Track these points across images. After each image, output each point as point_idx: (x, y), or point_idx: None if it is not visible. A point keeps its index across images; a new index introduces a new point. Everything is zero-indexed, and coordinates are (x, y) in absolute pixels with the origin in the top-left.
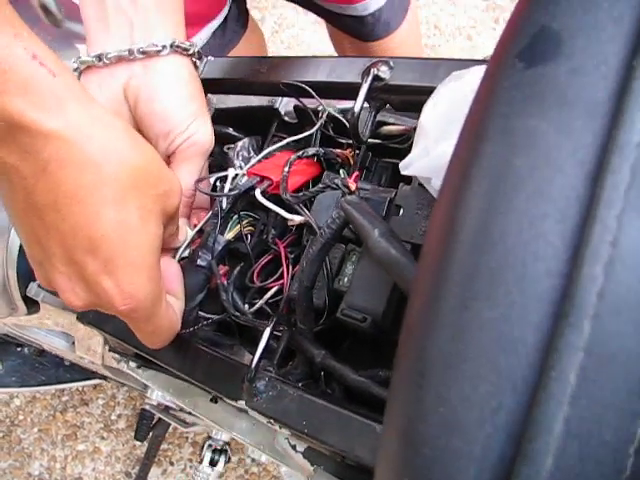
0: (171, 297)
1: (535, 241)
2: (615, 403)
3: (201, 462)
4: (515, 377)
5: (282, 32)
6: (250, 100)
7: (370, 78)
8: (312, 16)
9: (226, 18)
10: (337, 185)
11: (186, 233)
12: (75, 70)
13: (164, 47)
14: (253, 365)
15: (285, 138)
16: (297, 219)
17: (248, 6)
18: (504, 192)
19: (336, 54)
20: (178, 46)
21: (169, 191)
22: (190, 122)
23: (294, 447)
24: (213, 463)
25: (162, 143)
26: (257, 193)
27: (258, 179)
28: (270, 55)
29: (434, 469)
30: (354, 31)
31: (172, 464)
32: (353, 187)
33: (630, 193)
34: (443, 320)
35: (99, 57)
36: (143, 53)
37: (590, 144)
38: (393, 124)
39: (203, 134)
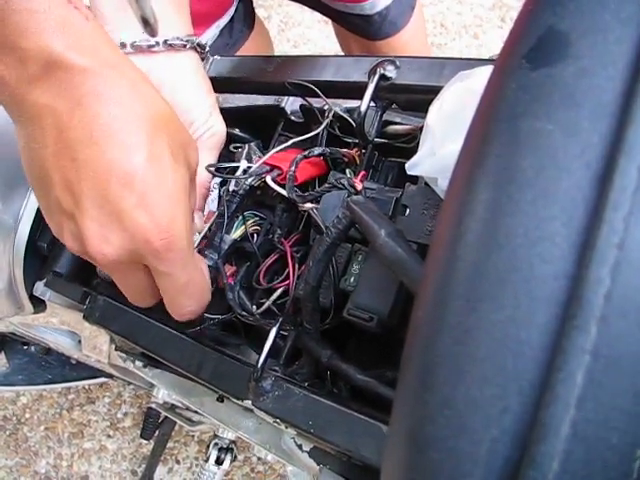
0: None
1: (541, 243)
2: (622, 406)
3: (207, 460)
4: (521, 379)
5: (288, 30)
6: (256, 99)
7: (376, 77)
8: (318, 14)
9: (233, 18)
10: (343, 185)
11: (201, 225)
12: None
13: (188, 42)
14: (259, 365)
15: (291, 137)
16: (308, 206)
17: (254, 5)
18: (510, 193)
19: (342, 53)
20: (199, 44)
21: (191, 143)
22: (209, 114)
23: (300, 446)
24: (219, 462)
25: None
26: (268, 179)
27: (268, 168)
28: (277, 54)
29: (440, 471)
30: (361, 30)
31: (178, 462)
32: (359, 187)
33: (637, 195)
34: (449, 321)
35: (123, 44)
36: (169, 46)
37: (597, 145)
38: (399, 123)
39: (221, 126)
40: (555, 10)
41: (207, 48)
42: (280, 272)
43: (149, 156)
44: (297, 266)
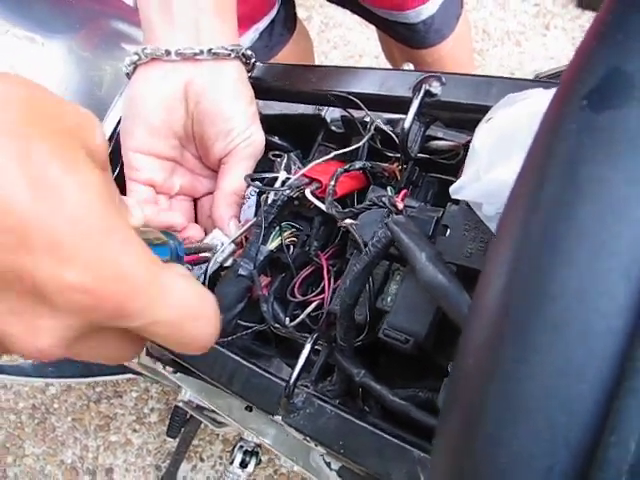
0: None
1: (598, 296)
2: None
3: (232, 463)
4: (571, 437)
5: (329, 31)
6: (296, 107)
7: (421, 94)
8: None
9: (273, 21)
10: (384, 203)
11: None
12: (133, 63)
13: (232, 51)
14: (292, 381)
15: (331, 147)
16: (347, 222)
17: (295, 6)
18: (566, 243)
19: (384, 56)
20: (244, 54)
21: (82, 124)
22: (250, 124)
23: (329, 464)
24: (244, 465)
25: (221, 141)
26: (307, 192)
27: (307, 181)
28: (316, 54)
29: None
30: (405, 38)
31: (202, 460)
32: (400, 206)
33: None
34: (500, 372)
35: (167, 52)
36: (214, 54)
37: None
38: (442, 139)
39: (260, 136)
40: (620, 49)
41: (253, 58)
42: (315, 285)
43: (30, 181)
44: (333, 280)
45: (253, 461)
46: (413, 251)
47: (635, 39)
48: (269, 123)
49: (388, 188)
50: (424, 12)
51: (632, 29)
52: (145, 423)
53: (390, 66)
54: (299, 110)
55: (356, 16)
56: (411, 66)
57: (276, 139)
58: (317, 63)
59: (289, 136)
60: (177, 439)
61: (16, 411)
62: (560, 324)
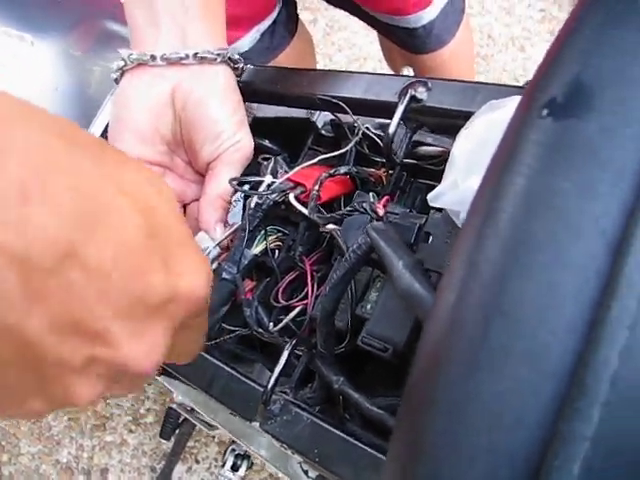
0: None
1: (548, 312)
2: None
3: (223, 466)
4: (515, 459)
5: (334, 34)
6: (290, 111)
7: (407, 99)
8: None
9: (275, 22)
10: (365, 209)
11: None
12: (120, 69)
13: (219, 55)
14: (269, 387)
15: (321, 151)
16: (329, 227)
17: (300, 7)
18: (518, 258)
19: (385, 61)
20: (230, 58)
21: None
22: (238, 128)
23: (306, 472)
24: (235, 468)
25: (209, 146)
26: (291, 197)
27: (292, 185)
28: (321, 57)
29: None
30: (405, 43)
31: (197, 462)
32: (381, 212)
33: None
34: (444, 390)
35: (153, 57)
36: (200, 59)
37: (615, 212)
38: (430, 144)
39: (248, 141)
40: (581, 58)
41: (241, 63)
42: (300, 290)
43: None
44: (317, 285)
45: (245, 464)
46: (390, 258)
47: (597, 49)
48: (262, 126)
49: (370, 194)
50: (424, 17)
51: (594, 38)
52: (141, 424)
53: (390, 71)
54: (291, 113)
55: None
56: (410, 70)
57: (266, 142)
58: (321, 65)
59: (281, 139)
60: (171, 441)
61: None
62: (508, 341)
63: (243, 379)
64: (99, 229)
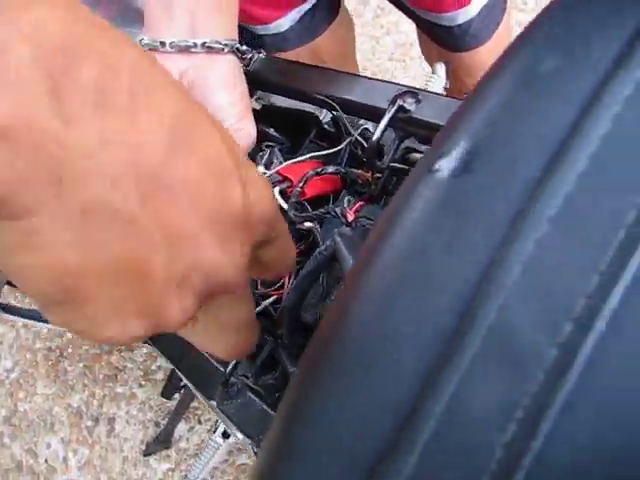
0: None
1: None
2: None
3: (215, 432)
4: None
5: (384, 17)
6: (297, 103)
7: (394, 108)
8: None
9: (316, 5)
10: (336, 213)
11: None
12: None
13: (226, 46)
14: (227, 370)
15: (322, 145)
16: (307, 225)
17: None
18: (378, 312)
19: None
20: (237, 49)
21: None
22: (241, 117)
23: (256, 454)
24: (225, 435)
25: None
26: (275, 190)
27: (280, 178)
28: (368, 38)
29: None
30: (441, 39)
31: (200, 423)
32: (350, 218)
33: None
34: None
35: (162, 43)
36: (208, 48)
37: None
38: (421, 152)
39: (251, 130)
40: (475, 122)
41: (249, 54)
42: (279, 280)
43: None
44: (294, 277)
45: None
46: (347, 265)
47: (490, 115)
48: (271, 114)
49: (346, 198)
50: (460, 17)
51: (492, 105)
52: (151, 380)
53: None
54: (301, 106)
55: None
56: (442, 67)
57: (271, 131)
58: (368, 47)
59: (287, 130)
60: (174, 399)
61: (33, 350)
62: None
63: (210, 359)
64: (195, 144)
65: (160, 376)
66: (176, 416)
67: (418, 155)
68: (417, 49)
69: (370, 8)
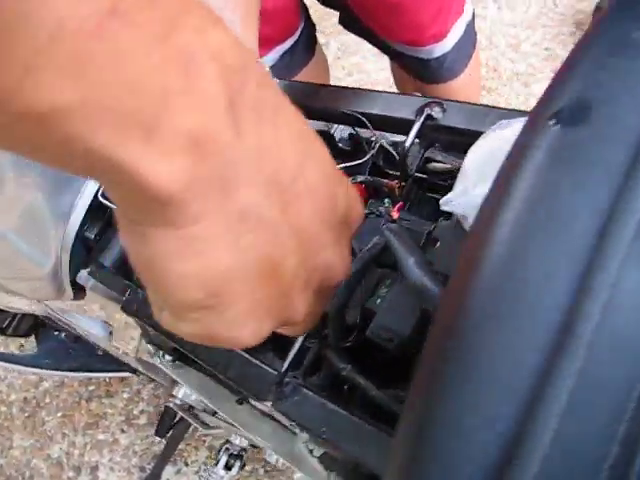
0: None
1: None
2: (598, 424)
3: (217, 464)
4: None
5: (345, 59)
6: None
7: (423, 117)
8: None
9: (296, 43)
10: (381, 213)
11: None
12: None
13: None
14: (283, 370)
15: (337, 164)
16: None
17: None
18: (523, 242)
19: (394, 88)
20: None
21: None
22: None
23: (311, 451)
24: (228, 467)
25: None
26: None
27: None
28: (331, 80)
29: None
30: (416, 72)
31: (187, 465)
32: (395, 216)
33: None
34: (455, 346)
35: None
36: None
37: (602, 203)
38: (440, 162)
39: None
40: (584, 80)
41: (267, 70)
42: None
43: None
44: None
45: (237, 464)
46: (402, 255)
47: (596, 73)
48: None
49: (386, 200)
50: (437, 50)
51: (595, 64)
52: (134, 424)
53: None
54: (312, 125)
55: (372, 46)
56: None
57: None
58: None
59: None
60: (163, 441)
61: (7, 403)
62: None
63: (257, 363)
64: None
65: (143, 420)
66: (163, 459)
67: (436, 164)
68: (380, 89)
69: (331, 50)
